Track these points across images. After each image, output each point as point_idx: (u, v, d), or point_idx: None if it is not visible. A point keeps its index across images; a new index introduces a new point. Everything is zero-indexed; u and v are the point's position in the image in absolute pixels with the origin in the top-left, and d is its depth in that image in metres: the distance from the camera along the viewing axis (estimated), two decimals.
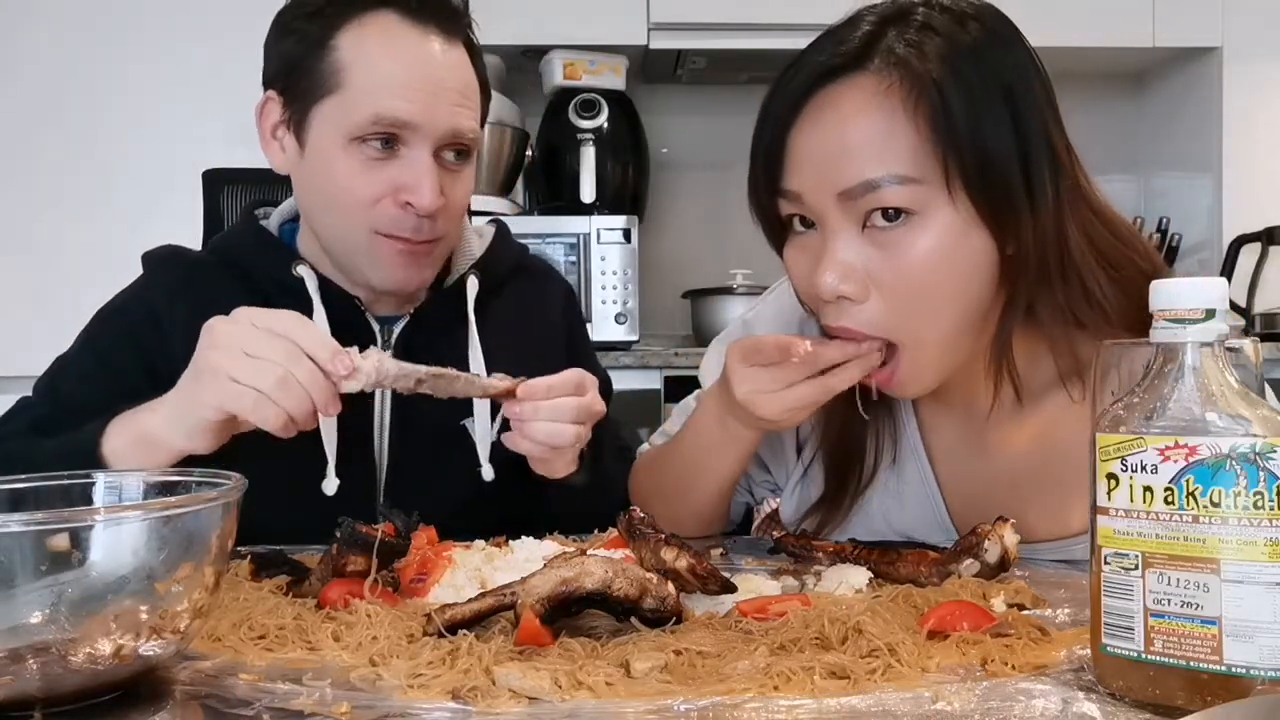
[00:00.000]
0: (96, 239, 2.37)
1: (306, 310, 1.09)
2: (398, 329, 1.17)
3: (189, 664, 0.64)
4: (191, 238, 1.54)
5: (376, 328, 1.16)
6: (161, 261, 1.20)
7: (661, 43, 2.91)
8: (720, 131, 3.36)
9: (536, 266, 1.33)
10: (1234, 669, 0.54)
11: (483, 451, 1.15)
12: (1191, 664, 0.55)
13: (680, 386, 2.62)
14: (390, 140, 1.04)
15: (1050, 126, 0.86)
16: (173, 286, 1.16)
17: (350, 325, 1.13)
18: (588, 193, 2.85)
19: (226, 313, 0.98)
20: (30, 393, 1.14)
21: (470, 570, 0.83)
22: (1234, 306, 2.88)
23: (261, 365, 0.86)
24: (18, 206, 2.40)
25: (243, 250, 1.18)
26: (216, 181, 1.57)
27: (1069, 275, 0.87)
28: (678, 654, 0.63)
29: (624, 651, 0.64)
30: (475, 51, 1.12)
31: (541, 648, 0.65)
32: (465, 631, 0.67)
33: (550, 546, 0.91)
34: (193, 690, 0.61)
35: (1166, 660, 0.56)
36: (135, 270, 1.20)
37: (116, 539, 0.58)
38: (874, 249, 0.84)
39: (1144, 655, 0.57)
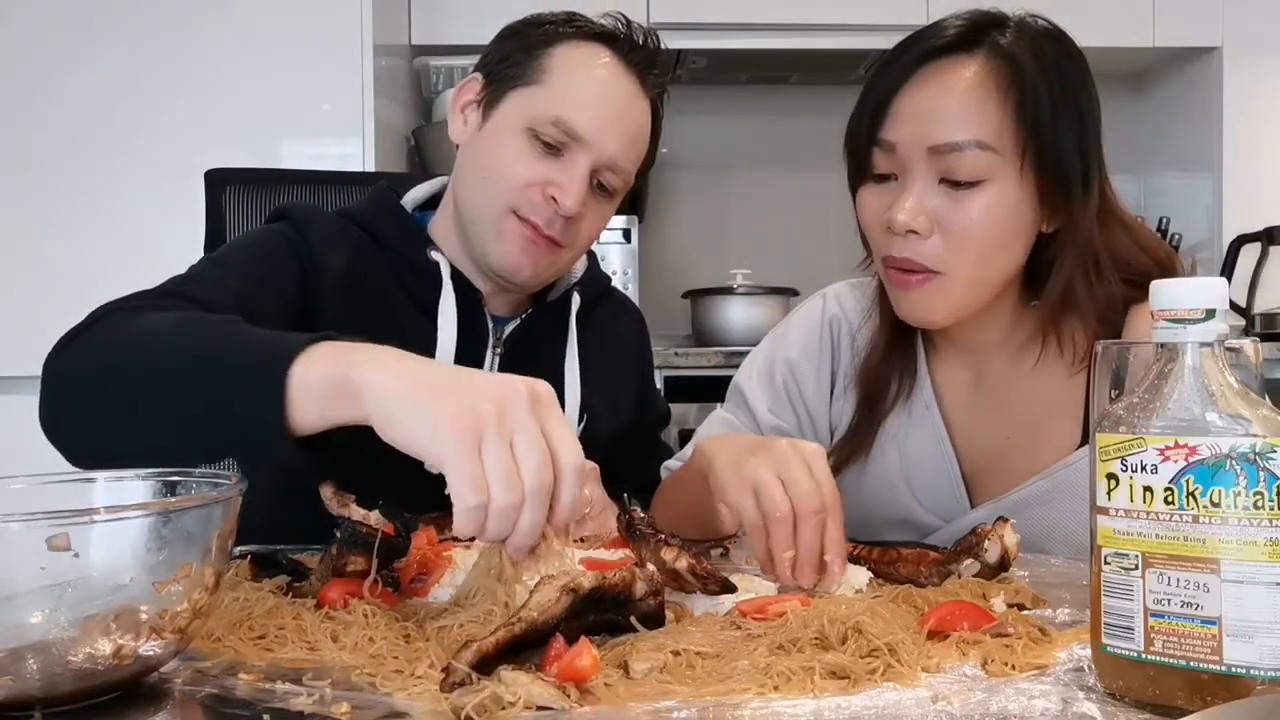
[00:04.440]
0: (98, 240, 2.36)
1: (436, 293, 1.17)
2: (508, 330, 1.23)
3: (189, 664, 0.64)
4: (194, 238, 1.54)
5: (490, 325, 1.22)
6: (308, 212, 1.23)
7: (661, 43, 2.90)
8: (720, 131, 3.36)
9: (619, 295, 1.46)
10: (1234, 669, 0.54)
11: None
12: (1191, 664, 0.55)
13: (681, 386, 2.62)
14: (558, 146, 1.13)
15: (1100, 142, 1.04)
16: (327, 233, 1.19)
17: (469, 319, 1.19)
18: None
19: (370, 275, 1.10)
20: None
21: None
22: (1234, 306, 2.88)
23: (511, 489, 0.68)
24: (18, 207, 2.40)
25: (382, 225, 1.22)
26: (219, 182, 1.57)
27: (1092, 268, 1.03)
28: (676, 654, 0.63)
29: (623, 652, 0.64)
30: (657, 118, 1.23)
31: (586, 679, 0.59)
32: (504, 668, 0.59)
33: None
34: (193, 690, 0.61)
35: (1166, 660, 0.56)
36: (137, 270, 1.19)
37: (116, 539, 0.58)
38: (946, 200, 1.00)
39: (1144, 655, 0.57)
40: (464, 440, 0.68)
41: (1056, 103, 0.99)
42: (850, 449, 1.16)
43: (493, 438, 0.69)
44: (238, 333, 0.86)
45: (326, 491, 0.91)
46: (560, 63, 1.15)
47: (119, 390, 0.85)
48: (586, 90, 1.14)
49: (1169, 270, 1.07)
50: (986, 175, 0.98)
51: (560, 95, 1.13)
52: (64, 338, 0.93)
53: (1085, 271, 1.03)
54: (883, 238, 1.04)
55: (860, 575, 0.84)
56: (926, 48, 1.01)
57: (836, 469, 1.16)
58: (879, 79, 1.04)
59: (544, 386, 0.74)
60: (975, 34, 1.01)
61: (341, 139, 2.44)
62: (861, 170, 1.06)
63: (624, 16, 1.19)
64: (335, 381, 0.75)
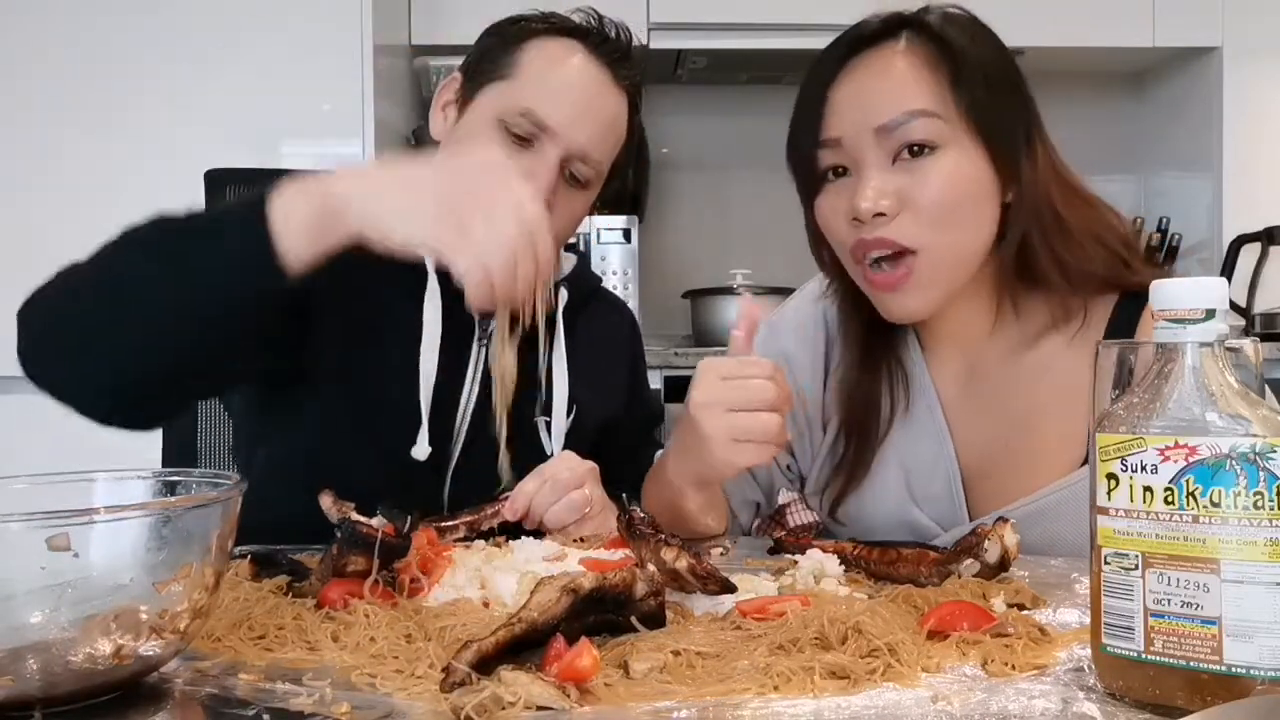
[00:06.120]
0: (98, 239, 2.36)
1: (423, 286, 1.19)
2: (493, 324, 1.24)
3: (189, 664, 0.65)
4: None
5: (476, 317, 1.23)
6: None
7: (661, 43, 2.90)
8: (720, 131, 3.36)
9: (610, 296, 1.46)
10: (1234, 669, 0.54)
11: (555, 451, 1.21)
12: (1191, 664, 0.55)
13: (681, 386, 2.61)
14: (529, 139, 1.15)
15: (1037, 113, 1.05)
16: None
17: (455, 311, 1.19)
18: None
19: (357, 267, 1.11)
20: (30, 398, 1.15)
21: (470, 570, 0.83)
22: (1234, 306, 2.88)
23: (498, 238, 0.87)
24: (18, 207, 2.40)
25: None
26: (219, 182, 1.57)
27: (1053, 229, 1.03)
28: (676, 654, 0.63)
29: (622, 652, 0.64)
30: (635, 110, 1.25)
31: (586, 680, 0.59)
32: (504, 668, 0.59)
33: (550, 546, 0.91)
34: (193, 690, 0.61)
35: (1166, 660, 0.56)
36: None
37: (116, 539, 0.58)
38: (905, 175, 1.00)
39: (1144, 655, 0.57)
40: (452, 228, 0.86)
41: (989, 72, 1.01)
42: (848, 476, 1.14)
43: (471, 217, 0.86)
44: (201, 213, 0.97)
45: (326, 501, 0.92)
46: (531, 57, 1.17)
47: (100, 295, 0.96)
48: (555, 82, 1.17)
49: (1131, 245, 1.07)
50: (938, 141, 0.99)
51: (529, 88, 1.15)
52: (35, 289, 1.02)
53: (1044, 231, 1.03)
54: (850, 230, 1.03)
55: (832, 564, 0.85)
56: (852, 37, 1.04)
57: (838, 499, 1.14)
58: (810, 82, 1.05)
59: (494, 154, 0.92)
60: (898, 24, 1.04)
61: (341, 139, 2.44)
62: (811, 179, 1.06)
63: (595, 12, 1.22)
64: (318, 208, 0.89)
